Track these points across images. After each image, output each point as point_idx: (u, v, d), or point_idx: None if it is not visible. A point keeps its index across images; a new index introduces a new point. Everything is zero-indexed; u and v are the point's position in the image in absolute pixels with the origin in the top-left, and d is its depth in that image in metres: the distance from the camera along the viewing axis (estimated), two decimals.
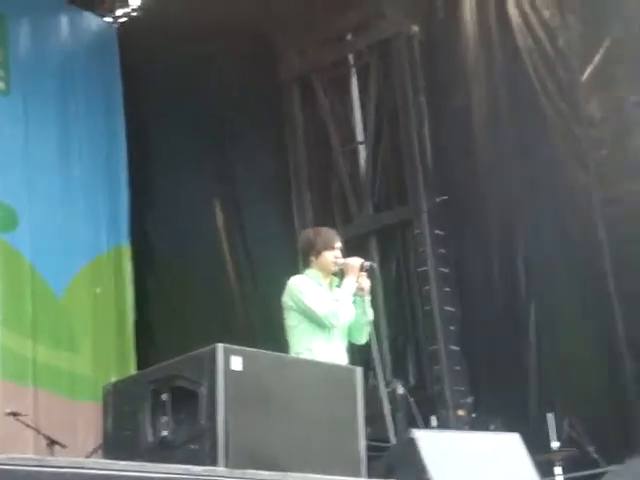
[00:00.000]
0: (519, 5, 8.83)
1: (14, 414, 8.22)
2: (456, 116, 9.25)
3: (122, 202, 11.22)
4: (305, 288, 5.67)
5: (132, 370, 10.38)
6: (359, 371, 4.56)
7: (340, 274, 5.83)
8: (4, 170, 10.07)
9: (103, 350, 10.60)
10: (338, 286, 5.83)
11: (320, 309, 5.59)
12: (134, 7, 11.73)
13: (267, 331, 8.62)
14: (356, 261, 5.71)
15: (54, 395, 9.97)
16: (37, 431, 8.43)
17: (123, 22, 11.81)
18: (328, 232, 5.96)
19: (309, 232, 6.04)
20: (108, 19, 11.80)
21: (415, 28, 9.50)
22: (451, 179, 9.24)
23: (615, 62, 8.30)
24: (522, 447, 5.08)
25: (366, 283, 5.71)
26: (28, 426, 8.35)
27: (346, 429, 4.37)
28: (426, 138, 9.32)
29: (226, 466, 3.78)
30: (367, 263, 5.81)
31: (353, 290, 5.66)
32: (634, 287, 7.87)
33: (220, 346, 3.98)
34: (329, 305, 5.60)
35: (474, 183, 9.04)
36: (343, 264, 5.71)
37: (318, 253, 5.78)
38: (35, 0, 10.87)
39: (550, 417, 7.66)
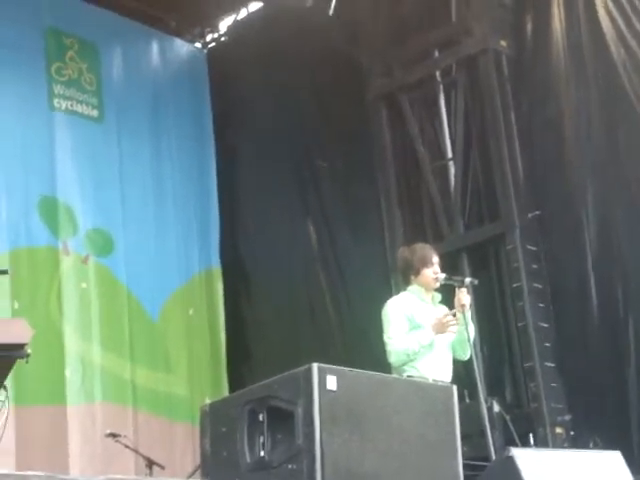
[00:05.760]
0: (611, 17, 8.69)
1: (113, 435, 8.37)
2: (547, 130, 9.13)
3: (213, 224, 11.37)
4: (393, 317, 5.64)
5: (225, 391, 10.47)
6: (455, 389, 4.53)
7: (442, 289, 5.81)
8: (100, 196, 10.31)
9: (198, 371, 10.72)
10: (441, 302, 5.81)
11: (396, 345, 5.56)
12: (223, 32, 11.92)
13: (363, 350, 8.61)
14: (444, 319, 5.64)
15: (152, 416, 10.11)
16: (136, 452, 8.56)
17: (212, 47, 11.99)
18: (424, 249, 5.93)
19: (404, 251, 5.99)
20: (197, 45, 11.99)
21: (503, 43, 9.42)
22: (543, 193, 9.12)
23: None
24: (624, 465, 4.97)
25: (467, 299, 5.68)
26: (127, 447, 8.48)
27: (443, 448, 4.35)
28: (516, 153, 9.21)
29: None
30: (468, 279, 5.79)
31: (430, 339, 5.61)
32: None
33: (315, 365, 3.99)
34: (406, 342, 5.56)
35: (567, 197, 8.90)
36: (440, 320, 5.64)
37: (417, 271, 5.77)
38: (126, 28, 11.10)
39: None
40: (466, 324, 5.62)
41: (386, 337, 5.64)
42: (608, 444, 6.63)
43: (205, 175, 11.47)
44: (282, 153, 10.86)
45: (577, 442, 8.05)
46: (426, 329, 5.59)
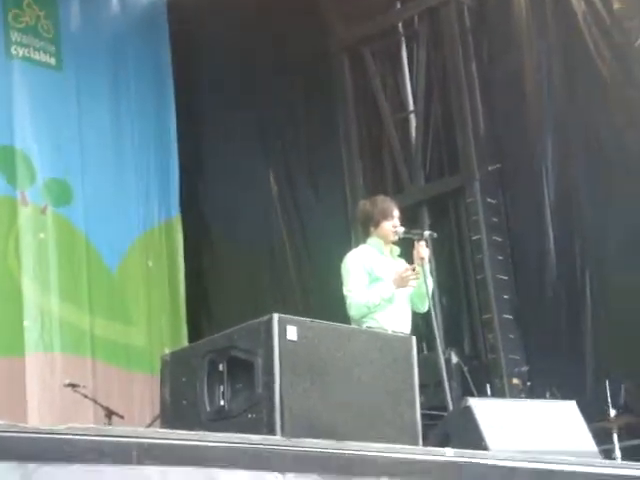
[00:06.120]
0: None
1: (72, 385, 8.37)
2: (508, 81, 9.14)
3: (172, 175, 11.28)
4: (353, 270, 5.66)
5: (185, 342, 10.47)
6: (414, 340, 4.56)
7: (401, 242, 5.84)
8: (58, 145, 10.19)
9: (157, 322, 10.70)
10: (400, 255, 5.83)
11: (357, 298, 5.59)
12: None
13: (322, 301, 8.64)
14: (405, 273, 5.65)
15: (111, 366, 10.10)
16: (95, 402, 8.56)
17: None
18: (385, 202, 5.94)
19: (365, 203, 6.00)
20: None
21: None
22: (504, 146, 9.15)
23: None
24: (579, 415, 5.05)
25: (425, 252, 5.70)
26: (86, 397, 8.48)
27: (402, 398, 4.38)
28: (478, 105, 9.22)
29: (283, 434, 3.80)
30: (427, 232, 5.81)
31: (391, 292, 5.63)
32: None
33: (276, 316, 3.99)
34: (367, 295, 5.59)
35: (527, 150, 8.93)
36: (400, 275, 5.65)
37: (377, 224, 5.79)
38: None
39: (607, 384, 7.59)
40: (425, 277, 5.66)
41: (346, 290, 5.66)
42: (564, 394, 6.71)
43: (165, 125, 11.36)
44: (244, 103, 10.77)
45: (534, 393, 8.15)
46: (387, 282, 5.61)
